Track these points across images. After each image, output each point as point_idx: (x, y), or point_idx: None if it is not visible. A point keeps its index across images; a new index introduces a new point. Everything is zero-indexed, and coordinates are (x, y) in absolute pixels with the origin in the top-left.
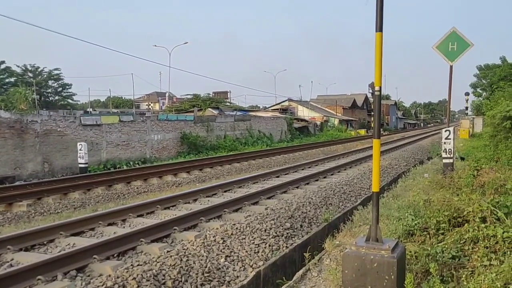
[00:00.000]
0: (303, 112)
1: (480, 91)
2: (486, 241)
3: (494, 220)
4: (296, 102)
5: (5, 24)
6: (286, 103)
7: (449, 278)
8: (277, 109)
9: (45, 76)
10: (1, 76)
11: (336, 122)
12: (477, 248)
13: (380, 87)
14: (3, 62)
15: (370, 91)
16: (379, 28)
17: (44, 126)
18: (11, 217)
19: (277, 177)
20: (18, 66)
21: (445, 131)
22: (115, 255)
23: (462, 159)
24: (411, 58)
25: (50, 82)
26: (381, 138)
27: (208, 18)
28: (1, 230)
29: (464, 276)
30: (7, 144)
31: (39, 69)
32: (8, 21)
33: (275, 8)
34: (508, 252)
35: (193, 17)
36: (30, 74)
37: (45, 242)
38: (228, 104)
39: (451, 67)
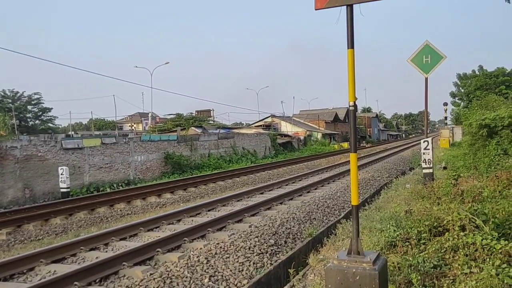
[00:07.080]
0: (286, 128)
1: (459, 101)
2: (466, 249)
3: (473, 228)
4: (279, 118)
5: None
6: (269, 119)
7: None
8: (261, 126)
9: (25, 101)
10: None
11: (319, 136)
12: (457, 257)
13: (355, 102)
14: None
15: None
16: (351, 45)
17: (24, 151)
18: None
19: (261, 193)
20: None
21: (424, 141)
22: (97, 281)
23: (446, 168)
24: (390, 70)
25: (29, 107)
26: (364, 151)
27: (189, 35)
28: None
29: (445, 285)
30: None
31: (18, 94)
32: None
33: (258, 22)
34: (488, 259)
35: (174, 35)
36: (9, 100)
37: (25, 271)
38: (212, 122)
39: (426, 79)
